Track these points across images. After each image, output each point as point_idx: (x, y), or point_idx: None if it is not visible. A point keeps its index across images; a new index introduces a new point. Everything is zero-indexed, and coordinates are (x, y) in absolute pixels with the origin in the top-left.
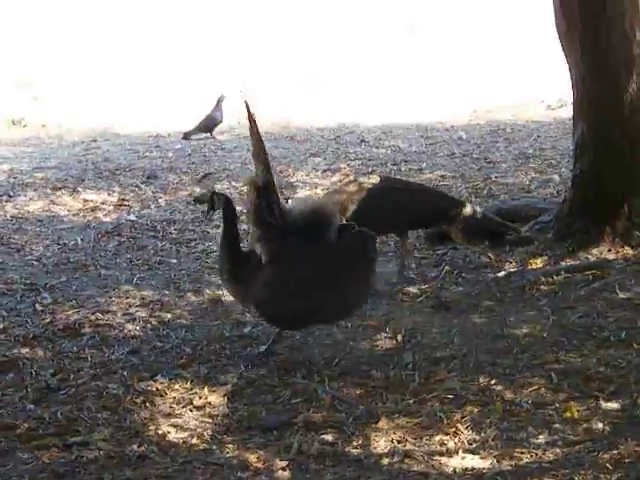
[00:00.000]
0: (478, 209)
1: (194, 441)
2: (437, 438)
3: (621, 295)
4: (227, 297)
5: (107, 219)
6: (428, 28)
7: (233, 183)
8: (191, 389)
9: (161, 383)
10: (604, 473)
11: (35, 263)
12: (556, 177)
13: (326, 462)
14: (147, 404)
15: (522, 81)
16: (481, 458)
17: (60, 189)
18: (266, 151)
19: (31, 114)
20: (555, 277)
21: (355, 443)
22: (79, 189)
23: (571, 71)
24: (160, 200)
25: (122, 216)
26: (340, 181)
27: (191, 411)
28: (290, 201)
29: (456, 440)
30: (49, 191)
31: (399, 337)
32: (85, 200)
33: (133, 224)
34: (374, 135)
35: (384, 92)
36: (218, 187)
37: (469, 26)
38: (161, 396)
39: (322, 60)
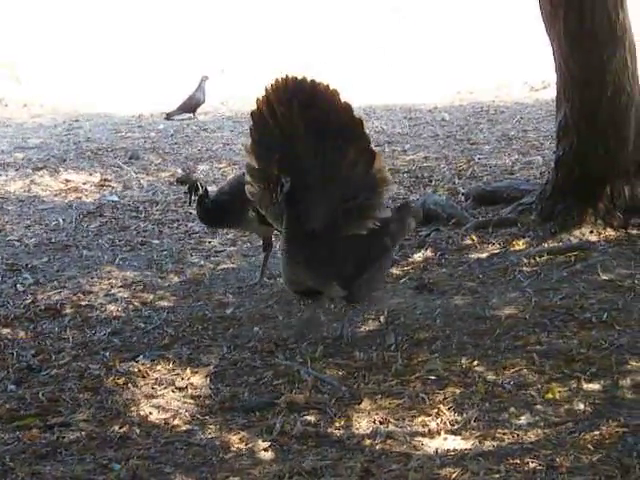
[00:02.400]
0: None
1: (176, 422)
2: (419, 419)
3: (603, 276)
4: (209, 278)
5: (89, 199)
6: (412, 10)
7: (215, 164)
8: (173, 370)
9: (143, 364)
10: (585, 454)
11: (16, 243)
12: (539, 159)
13: (308, 443)
14: (129, 385)
15: (505, 62)
16: (463, 439)
17: (41, 169)
18: None
19: (12, 94)
20: (537, 258)
21: (337, 424)
22: (60, 169)
23: (554, 52)
24: (142, 181)
25: (104, 197)
26: None
27: (173, 392)
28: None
29: (438, 421)
30: (30, 171)
31: (382, 318)
32: (67, 180)
33: (115, 205)
34: None
35: (367, 73)
36: (201, 168)
37: (452, 8)
38: (143, 377)
39: (306, 41)
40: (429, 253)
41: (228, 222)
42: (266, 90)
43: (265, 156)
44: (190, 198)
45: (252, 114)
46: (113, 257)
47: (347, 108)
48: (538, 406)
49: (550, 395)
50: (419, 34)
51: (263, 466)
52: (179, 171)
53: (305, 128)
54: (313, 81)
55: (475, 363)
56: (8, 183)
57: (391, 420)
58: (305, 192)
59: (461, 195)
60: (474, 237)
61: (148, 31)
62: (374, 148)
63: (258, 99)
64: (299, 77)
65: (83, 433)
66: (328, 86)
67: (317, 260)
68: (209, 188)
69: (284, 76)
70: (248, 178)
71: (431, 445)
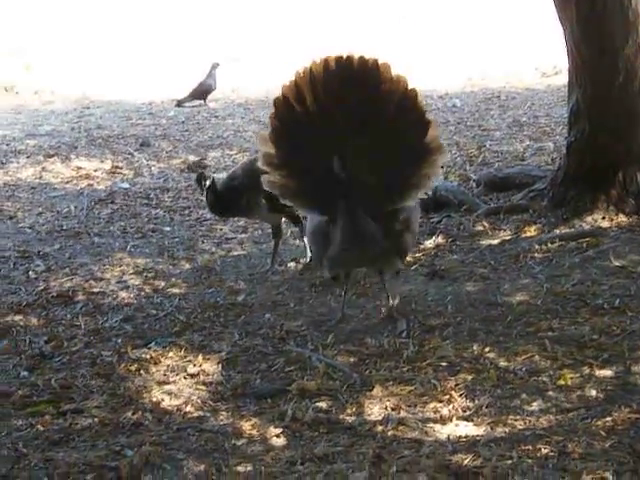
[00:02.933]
0: None
1: (188, 408)
2: (431, 405)
3: (615, 263)
4: (220, 265)
5: (100, 187)
6: None
7: (227, 151)
8: (185, 357)
9: (155, 351)
10: (597, 440)
11: (28, 230)
12: (550, 145)
13: (320, 429)
14: (141, 371)
15: (516, 48)
16: (475, 425)
17: (53, 156)
18: None
19: (23, 81)
20: (549, 245)
21: (349, 411)
22: (72, 156)
23: (566, 37)
24: (153, 168)
25: (115, 184)
26: None
27: (185, 379)
28: None
29: (450, 407)
30: (42, 158)
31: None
32: (78, 167)
33: (126, 192)
34: None
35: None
36: (212, 155)
37: None
38: (155, 364)
39: (317, 30)
40: (440, 240)
41: (238, 210)
42: (297, 75)
43: (288, 144)
44: (201, 188)
45: (275, 101)
46: (124, 244)
47: (399, 80)
48: (550, 392)
49: (562, 381)
50: (430, 19)
51: (275, 452)
52: (190, 158)
53: (353, 105)
54: (362, 57)
55: (487, 349)
56: (20, 170)
57: (403, 406)
58: (359, 169)
59: (472, 181)
60: (485, 223)
61: (160, 17)
62: (429, 117)
63: (285, 85)
64: (345, 55)
65: (96, 419)
66: (377, 60)
67: (383, 235)
68: (220, 175)
69: (323, 58)
70: (266, 168)
71: (443, 431)
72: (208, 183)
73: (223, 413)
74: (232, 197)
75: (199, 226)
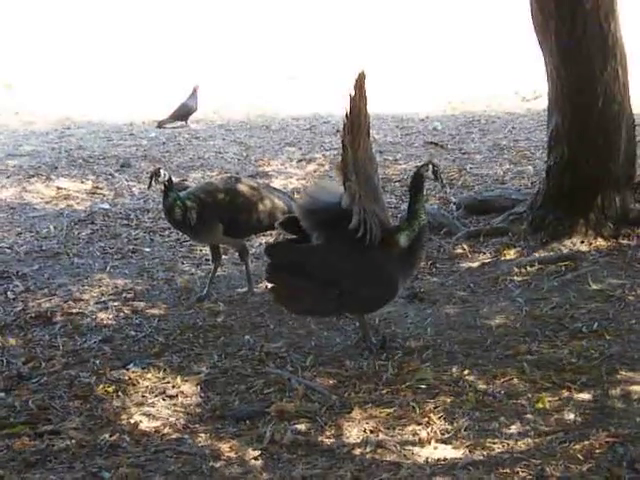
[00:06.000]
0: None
1: (166, 430)
2: (410, 428)
3: (593, 286)
4: (200, 286)
5: (80, 207)
6: (404, 20)
7: (207, 172)
8: (164, 378)
9: (133, 372)
10: (575, 463)
11: (7, 251)
12: (530, 168)
13: (298, 452)
14: (119, 393)
15: (497, 73)
16: (453, 448)
17: (33, 177)
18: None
19: (4, 101)
20: (528, 268)
21: (328, 433)
22: (52, 177)
23: (546, 62)
24: (134, 189)
25: (95, 204)
26: (315, 171)
27: (163, 400)
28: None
29: (429, 430)
30: (22, 178)
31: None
32: (58, 188)
33: (106, 212)
34: None
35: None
36: (193, 176)
37: (445, 18)
38: (133, 385)
39: (298, 50)
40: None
41: (191, 230)
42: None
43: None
44: (150, 183)
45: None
46: (104, 265)
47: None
48: (528, 415)
49: (540, 405)
50: (412, 43)
51: (253, 475)
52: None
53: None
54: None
55: (466, 372)
56: (0, 190)
57: (381, 429)
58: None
59: (452, 204)
60: (465, 246)
61: (141, 39)
62: None
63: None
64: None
65: (73, 441)
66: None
67: None
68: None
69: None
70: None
71: (421, 454)
72: (162, 180)
73: (201, 435)
74: (190, 216)
75: (179, 247)
